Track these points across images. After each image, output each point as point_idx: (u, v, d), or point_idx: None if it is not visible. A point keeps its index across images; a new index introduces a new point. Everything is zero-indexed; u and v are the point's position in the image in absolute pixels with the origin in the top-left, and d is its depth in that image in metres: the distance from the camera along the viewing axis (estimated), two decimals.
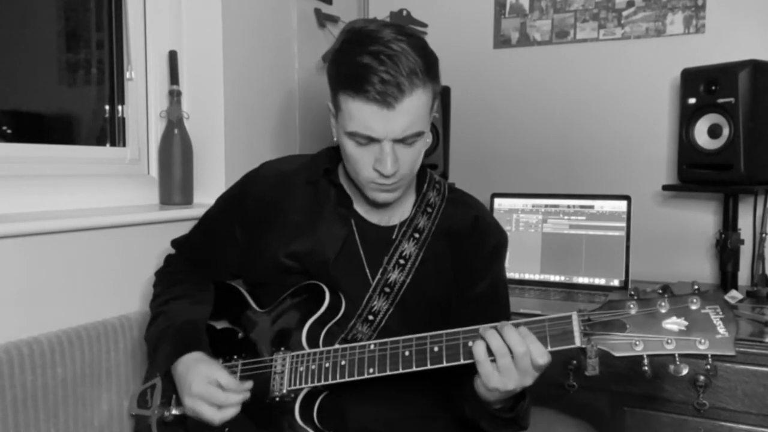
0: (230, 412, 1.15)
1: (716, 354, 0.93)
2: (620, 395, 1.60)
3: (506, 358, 1.00)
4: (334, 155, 1.30)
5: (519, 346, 0.99)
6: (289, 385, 1.18)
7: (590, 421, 1.54)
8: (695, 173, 1.85)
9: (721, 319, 0.94)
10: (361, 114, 1.09)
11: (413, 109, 1.09)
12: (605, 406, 1.61)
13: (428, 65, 1.11)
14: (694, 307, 0.95)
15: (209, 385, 1.15)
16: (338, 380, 1.14)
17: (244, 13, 1.90)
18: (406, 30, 1.13)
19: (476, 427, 1.22)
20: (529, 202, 2.07)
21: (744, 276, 1.93)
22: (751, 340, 1.47)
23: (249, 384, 1.17)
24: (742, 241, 1.87)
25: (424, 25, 2.34)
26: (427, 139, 1.20)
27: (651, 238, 2.07)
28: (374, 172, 1.15)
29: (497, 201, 2.11)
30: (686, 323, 0.95)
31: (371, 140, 1.12)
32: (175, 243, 1.47)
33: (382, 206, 1.25)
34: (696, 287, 0.97)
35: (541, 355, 1.00)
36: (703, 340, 0.94)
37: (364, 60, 1.07)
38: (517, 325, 1.02)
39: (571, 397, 1.63)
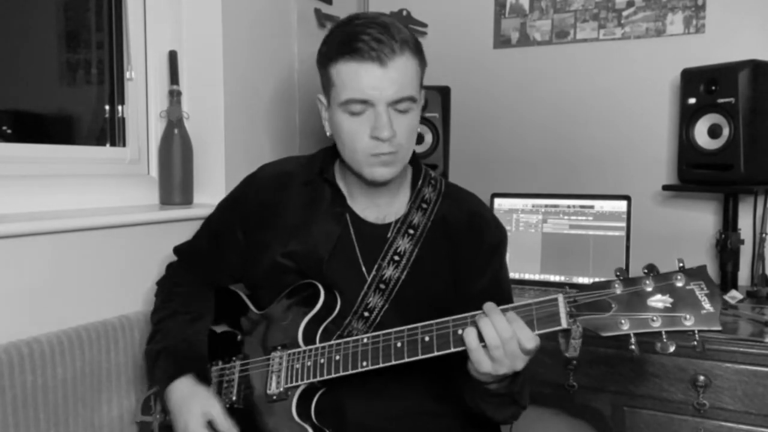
0: None
1: (702, 329, 0.94)
2: (620, 395, 1.60)
3: (498, 350, 1.00)
4: (329, 155, 1.31)
5: (505, 331, 1.00)
6: (286, 383, 1.19)
7: (590, 421, 1.55)
8: (695, 173, 1.85)
9: (705, 294, 0.94)
10: (355, 75, 1.12)
11: (405, 69, 1.13)
12: (605, 406, 1.61)
13: (415, 42, 1.17)
14: (679, 284, 0.95)
15: (204, 428, 1.18)
16: (333, 375, 1.14)
17: (244, 14, 1.90)
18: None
19: (476, 422, 1.23)
20: (529, 202, 2.07)
21: (744, 276, 1.93)
22: (751, 340, 1.47)
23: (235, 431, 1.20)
24: (742, 241, 1.87)
25: (424, 25, 2.34)
26: (419, 109, 1.22)
27: (651, 238, 2.07)
28: (372, 141, 1.15)
29: (497, 201, 2.11)
30: (671, 300, 0.95)
31: (366, 105, 1.13)
32: (177, 250, 1.46)
33: (381, 185, 1.23)
34: (681, 264, 0.97)
35: (529, 340, 1.00)
36: (688, 316, 0.94)
37: (356, 28, 1.13)
38: (505, 310, 1.03)
39: (571, 397, 1.63)
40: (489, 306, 1.03)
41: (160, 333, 1.33)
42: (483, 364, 1.02)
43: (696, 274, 0.96)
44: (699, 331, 0.94)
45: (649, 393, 1.57)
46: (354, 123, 1.16)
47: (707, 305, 0.94)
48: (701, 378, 1.49)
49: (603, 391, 1.61)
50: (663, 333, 0.96)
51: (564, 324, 0.99)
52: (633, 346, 0.97)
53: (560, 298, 1.01)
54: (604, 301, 0.98)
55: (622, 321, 0.97)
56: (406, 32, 1.15)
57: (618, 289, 0.98)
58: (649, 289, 0.96)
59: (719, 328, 0.93)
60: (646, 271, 0.98)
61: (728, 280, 1.86)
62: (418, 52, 1.17)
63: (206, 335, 1.34)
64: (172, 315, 1.34)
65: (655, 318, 0.95)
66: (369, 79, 1.11)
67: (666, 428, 1.57)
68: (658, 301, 0.96)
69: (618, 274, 1.00)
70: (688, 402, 1.53)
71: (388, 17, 1.16)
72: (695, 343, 0.95)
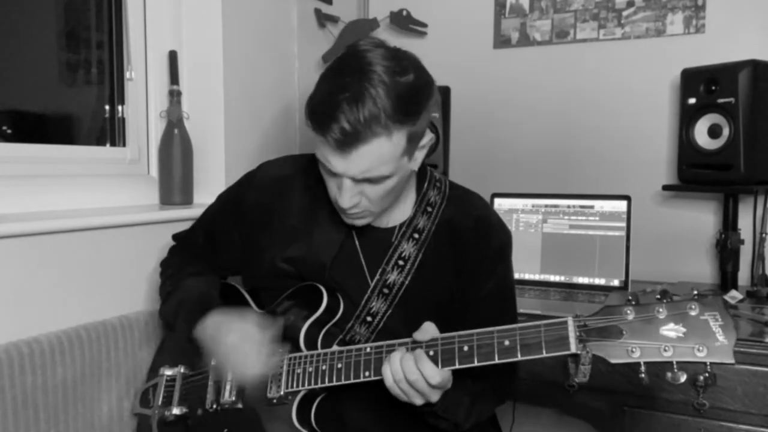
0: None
1: (715, 362, 0.92)
2: (620, 395, 1.60)
3: (403, 383, 1.05)
4: None
5: (411, 373, 1.04)
6: (287, 387, 1.18)
7: (590, 421, 1.55)
8: (695, 173, 1.85)
9: (720, 326, 0.92)
10: (322, 148, 1.10)
11: (371, 156, 1.07)
12: (605, 406, 1.61)
13: (402, 109, 1.06)
14: (692, 314, 0.93)
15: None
16: (335, 383, 1.14)
17: (244, 14, 1.90)
18: (403, 64, 1.08)
19: (477, 429, 1.22)
20: (529, 202, 2.07)
21: (744, 276, 1.93)
22: (751, 340, 1.46)
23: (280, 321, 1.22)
24: (742, 241, 1.87)
25: (424, 25, 2.34)
26: (413, 167, 1.17)
27: (651, 238, 2.07)
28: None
29: (497, 201, 2.11)
30: (684, 330, 0.93)
31: (332, 173, 1.12)
32: (176, 237, 1.47)
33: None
34: (695, 293, 0.95)
35: (432, 377, 1.03)
36: (701, 348, 0.92)
37: (334, 96, 1.05)
38: (415, 347, 1.06)
39: (571, 397, 1.63)
40: (398, 346, 1.08)
41: (177, 290, 1.34)
42: (400, 397, 1.07)
43: (711, 304, 0.93)
44: (711, 363, 0.92)
45: (649, 393, 1.56)
46: (327, 176, 1.16)
47: (721, 337, 0.92)
48: (701, 378, 1.49)
49: (603, 391, 1.61)
50: (674, 363, 0.94)
51: (573, 349, 0.98)
52: (643, 375, 0.95)
53: (570, 321, 0.99)
54: (615, 326, 0.96)
55: (633, 349, 0.95)
56: (387, 106, 1.03)
57: (630, 315, 0.96)
58: (662, 316, 0.94)
59: (732, 362, 0.91)
60: (659, 297, 0.96)
61: (728, 280, 1.86)
62: (405, 120, 1.06)
63: (218, 298, 1.33)
64: (187, 276, 1.36)
65: (667, 348, 0.93)
66: (333, 159, 1.09)
67: (666, 428, 1.56)
68: (671, 330, 0.94)
69: (630, 298, 0.98)
70: (687, 402, 1.53)
71: (381, 84, 1.04)
72: (707, 374, 0.94)
